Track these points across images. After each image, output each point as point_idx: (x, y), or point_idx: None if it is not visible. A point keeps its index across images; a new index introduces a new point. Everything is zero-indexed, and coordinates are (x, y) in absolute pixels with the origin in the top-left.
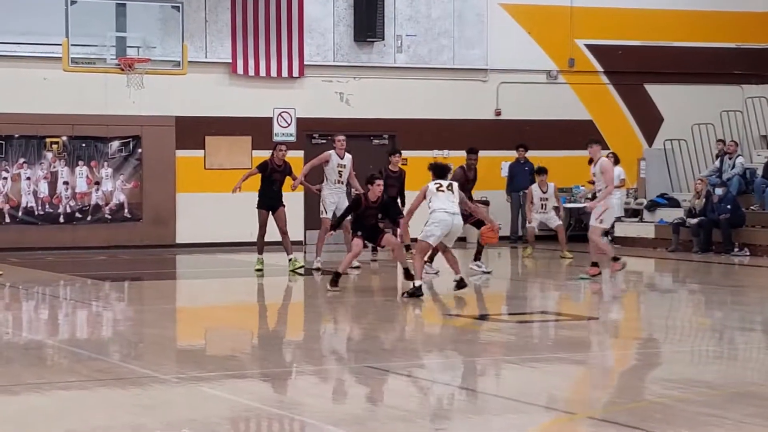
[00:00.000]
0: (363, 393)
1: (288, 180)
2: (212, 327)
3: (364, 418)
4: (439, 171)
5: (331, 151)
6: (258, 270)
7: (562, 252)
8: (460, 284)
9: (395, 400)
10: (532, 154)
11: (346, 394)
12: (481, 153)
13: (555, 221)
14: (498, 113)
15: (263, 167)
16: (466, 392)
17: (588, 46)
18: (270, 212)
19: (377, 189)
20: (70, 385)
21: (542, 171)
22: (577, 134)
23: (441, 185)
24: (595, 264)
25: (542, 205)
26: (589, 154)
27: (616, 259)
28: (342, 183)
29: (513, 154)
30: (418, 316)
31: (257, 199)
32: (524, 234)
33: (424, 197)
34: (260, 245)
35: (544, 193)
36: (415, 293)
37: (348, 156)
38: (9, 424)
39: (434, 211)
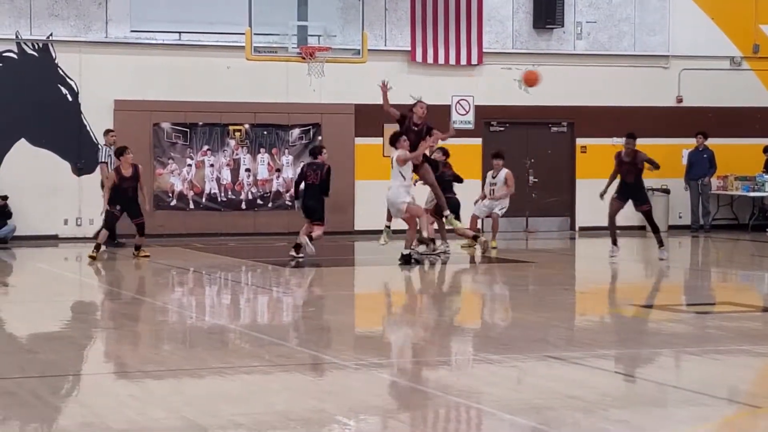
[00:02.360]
0: (542, 382)
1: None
2: (390, 314)
3: (543, 407)
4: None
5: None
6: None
7: (491, 240)
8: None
9: (574, 390)
10: (714, 142)
11: (525, 383)
12: (662, 140)
13: (496, 208)
14: (680, 100)
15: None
16: (645, 383)
17: None
18: None
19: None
20: (252, 370)
21: (497, 155)
22: (761, 122)
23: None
24: None
25: (491, 191)
26: None
27: None
28: None
29: (693, 142)
30: (595, 305)
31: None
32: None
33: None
34: None
35: (494, 178)
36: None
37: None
38: (194, 407)
39: None
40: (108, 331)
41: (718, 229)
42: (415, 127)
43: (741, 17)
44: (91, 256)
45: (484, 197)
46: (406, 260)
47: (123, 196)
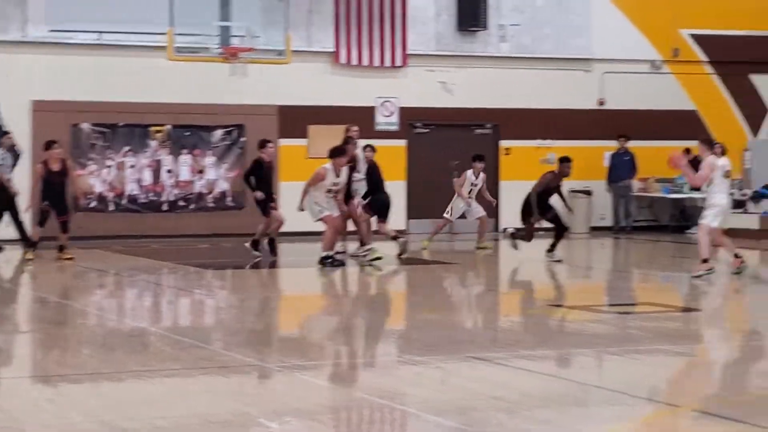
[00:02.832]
0: (466, 383)
1: None
2: (313, 316)
3: (467, 408)
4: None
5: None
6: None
7: (478, 243)
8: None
9: (497, 391)
10: (635, 144)
11: (449, 384)
12: (584, 143)
13: (479, 212)
14: (601, 103)
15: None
16: (568, 383)
17: (692, 36)
18: None
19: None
20: (173, 373)
21: (478, 158)
22: (682, 124)
23: None
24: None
25: (469, 191)
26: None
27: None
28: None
29: (615, 144)
30: (517, 305)
31: None
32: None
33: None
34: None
35: (476, 178)
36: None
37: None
38: (114, 411)
39: None
40: (26, 335)
41: (639, 230)
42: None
43: (661, 21)
44: (28, 258)
45: (458, 195)
46: (324, 262)
47: (51, 191)
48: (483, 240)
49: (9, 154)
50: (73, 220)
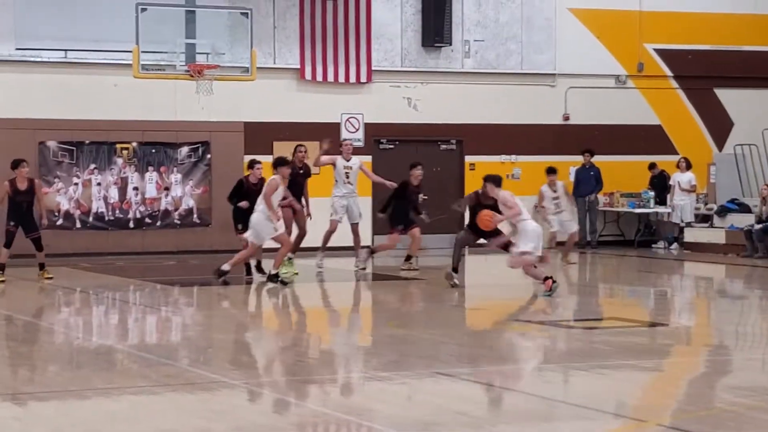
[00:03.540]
0: (430, 399)
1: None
2: (279, 332)
3: (432, 423)
4: None
5: (338, 156)
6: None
7: (564, 257)
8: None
9: (463, 406)
10: (600, 159)
11: (414, 400)
12: (549, 158)
13: (572, 227)
14: (566, 118)
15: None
16: (533, 398)
17: (657, 51)
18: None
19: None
20: (139, 390)
21: (551, 171)
22: (647, 139)
23: None
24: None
25: (555, 204)
26: None
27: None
28: (351, 184)
29: (581, 159)
30: (483, 321)
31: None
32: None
33: None
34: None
35: (555, 192)
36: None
37: (355, 158)
38: (79, 428)
39: None
40: None
41: (605, 245)
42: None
43: (626, 36)
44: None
45: (540, 207)
46: (271, 279)
47: (17, 210)
48: (568, 254)
49: None
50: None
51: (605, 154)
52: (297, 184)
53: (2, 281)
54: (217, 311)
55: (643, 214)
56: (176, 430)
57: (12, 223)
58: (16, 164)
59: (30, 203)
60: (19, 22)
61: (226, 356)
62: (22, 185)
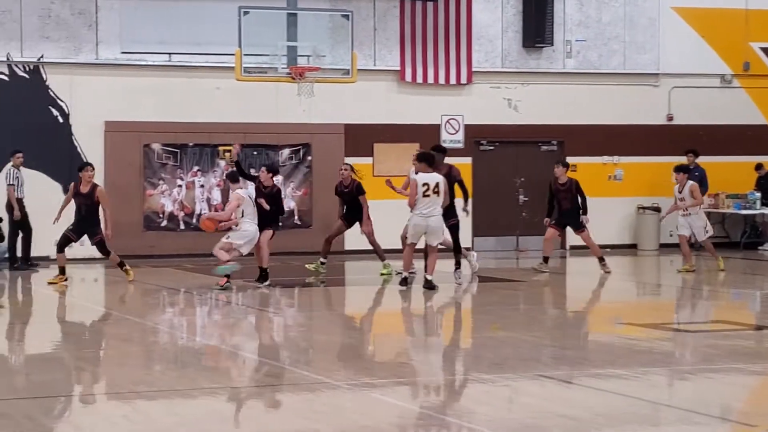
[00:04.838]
0: (534, 402)
1: None
2: (381, 333)
3: (534, 426)
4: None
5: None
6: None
7: (716, 262)
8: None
9: (565, 409)
10: (705, 160)
11: (517, 402)
12: (652, 159)
13: (701, 234)
14: (670, 118)
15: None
16: (638, 402)
17: (764, 49)
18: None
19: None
20: (244, 390)
21: (680, 169)
22: (752, 140)
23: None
24: None
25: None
26: None
27: None
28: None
29: (684, 160)
30: (586, 324)
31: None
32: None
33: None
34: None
35: (680, 192)
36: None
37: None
38: (187, 428)
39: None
40: (98, 352)
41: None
42: (345, 189)
43: (731, 35)
44: (50, 282)
45: (675, 209)
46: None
47: (77, 212)
48: (718, 258)
49: (21, 173)
50: (140, 243)
51: (710, 154)
52: (349, 203)
53: (59, 282)
54: (318, 312)
55: (749, 216)
56: (281, 430)
57: (70, 227)
58: (80, 167)
59: (89, 207)
60: (125, 26)
61: (329, 357)
62: (84, 188)
